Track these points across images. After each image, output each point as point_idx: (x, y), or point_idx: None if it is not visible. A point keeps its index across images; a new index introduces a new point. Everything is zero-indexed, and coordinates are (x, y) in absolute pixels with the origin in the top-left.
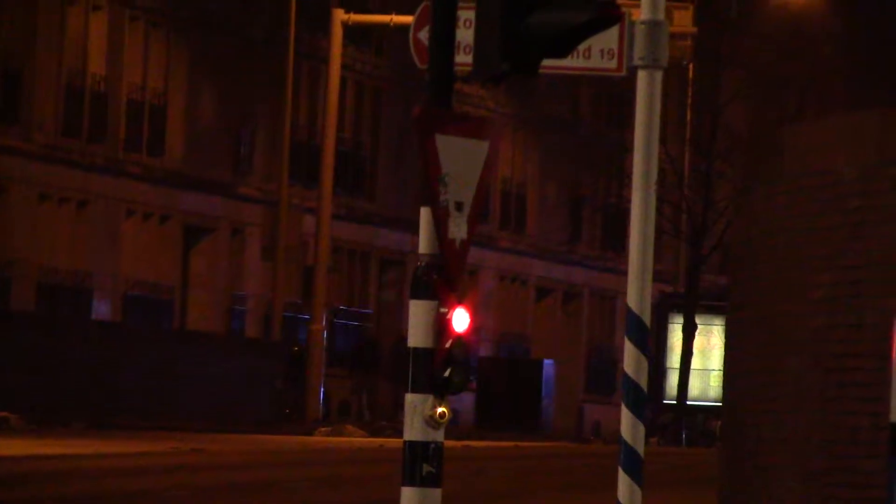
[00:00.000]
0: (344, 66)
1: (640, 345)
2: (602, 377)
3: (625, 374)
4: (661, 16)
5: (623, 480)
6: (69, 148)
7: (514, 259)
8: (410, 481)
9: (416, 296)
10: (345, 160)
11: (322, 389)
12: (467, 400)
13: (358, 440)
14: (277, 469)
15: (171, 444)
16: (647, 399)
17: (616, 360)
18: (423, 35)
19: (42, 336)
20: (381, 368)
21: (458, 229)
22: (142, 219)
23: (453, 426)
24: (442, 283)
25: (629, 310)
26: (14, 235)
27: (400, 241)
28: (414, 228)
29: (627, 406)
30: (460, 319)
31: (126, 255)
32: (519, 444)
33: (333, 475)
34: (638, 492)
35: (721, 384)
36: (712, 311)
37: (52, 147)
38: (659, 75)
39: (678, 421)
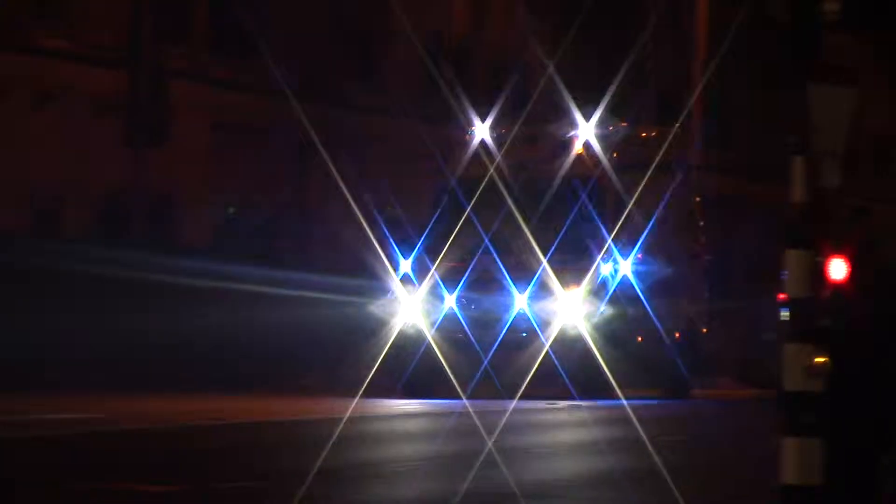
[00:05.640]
0: None
1: None
2: None
3: None
4: None
5: None
6: None
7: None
8: (791, 431)
9: (792, 245)
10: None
11: None
12: None
13: None
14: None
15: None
16: None
17: None
18: None
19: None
20: None
21: (830, 177)
22: None
23: None
24: (817, 231)
25: None
26: None
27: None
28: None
29: None
30: (837, 268)
31: None
32: None
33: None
34: None
35: None
36: None
37: None
38: None
39: None
